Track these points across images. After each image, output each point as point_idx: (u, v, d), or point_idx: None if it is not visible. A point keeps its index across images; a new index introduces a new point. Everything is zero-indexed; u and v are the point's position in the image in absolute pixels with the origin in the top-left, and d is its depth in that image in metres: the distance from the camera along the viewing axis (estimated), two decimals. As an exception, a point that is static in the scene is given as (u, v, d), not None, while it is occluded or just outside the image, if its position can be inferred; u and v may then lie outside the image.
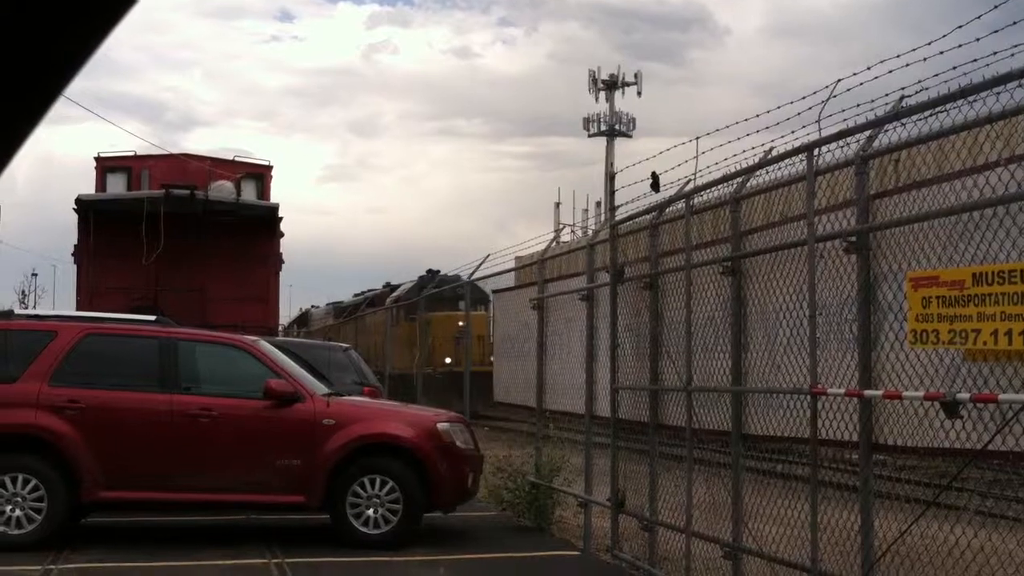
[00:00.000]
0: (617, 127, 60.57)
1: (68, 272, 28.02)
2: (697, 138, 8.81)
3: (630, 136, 61.36)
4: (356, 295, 43.89)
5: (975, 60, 5.74)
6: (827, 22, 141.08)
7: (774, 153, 7.70)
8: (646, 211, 9.92)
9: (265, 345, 12.21)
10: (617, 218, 10.71)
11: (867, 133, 6.61)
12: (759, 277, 7.91)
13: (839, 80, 6.98)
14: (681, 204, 9.11)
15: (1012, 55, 5.60)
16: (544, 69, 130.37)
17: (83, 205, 23.43)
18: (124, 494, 11.01)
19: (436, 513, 11.69)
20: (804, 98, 7.30)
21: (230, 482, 11.07)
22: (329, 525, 11.33)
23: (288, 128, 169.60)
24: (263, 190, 25.52)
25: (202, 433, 11.09)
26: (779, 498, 7.46)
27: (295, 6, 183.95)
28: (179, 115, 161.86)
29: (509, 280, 19.22)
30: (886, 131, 6.51)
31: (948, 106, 5.82)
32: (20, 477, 10.73)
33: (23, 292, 76.83)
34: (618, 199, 10.61)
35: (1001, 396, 5.24)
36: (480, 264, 18.05)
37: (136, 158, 25.55)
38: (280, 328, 36.92)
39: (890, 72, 6.54)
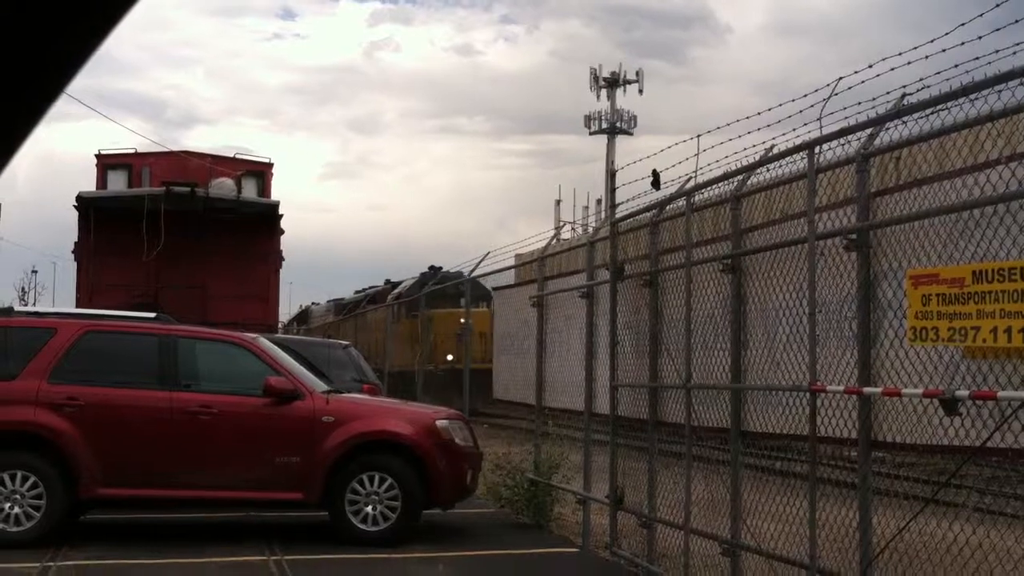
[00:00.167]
0: (618, 125, 60.64)
1: (68, 269, 28.04)
2: (698, 136, 8.80)
3: (631, 134, 61.46)
4: (357, 292, 43.81)
5: (977, 58, 5.73)
6: (828, 20, 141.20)
7: (775, 151, 7.70)
8: (646, 208, 9.92)
9: (265, 342, 12.21)
10: (617, 215, 10.70)
11: (868, 131, 6.60)
12: (759, 274, 7.91)
13: (840, 78, 6.97)
14: (682, 202, 9.10)
15: (1014, 53, 5.59)
16: (546, 67, 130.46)
17: (84, 202, 23.43)
18: (123, 491, 11.01)
19: (435, 510, 11.70)
20: (805, 96, 7.28)
21: (229, 479, 11.07)
22: (328, 522, 11.34)
23: (289, 126, 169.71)
24: (264, 187, 25.52)
25: (201, 430, 11.10)
26: (778, 495, 7.46)
27: (297, 4, 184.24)
28: (180, 113, 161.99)
29: (509, 277, 19.20)
30: (887, 129, 6.50)
31: (949, 104, 5.81)
32: (19, 474, 10.73)
33: (23, 289, 76.89)
34: (618, 197, 10.59)
35: (1000, 393, 5.24)
36: (480, 261, 18.05)
37: (137, 155, 25.55)
38: (280, 325, 36.91)
39: (892, 70, 6.53)
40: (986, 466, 8.73)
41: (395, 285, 35.12)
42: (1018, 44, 5.62)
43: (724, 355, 8.27)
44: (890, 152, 6.69)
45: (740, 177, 8.22)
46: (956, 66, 5.83)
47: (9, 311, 12.94)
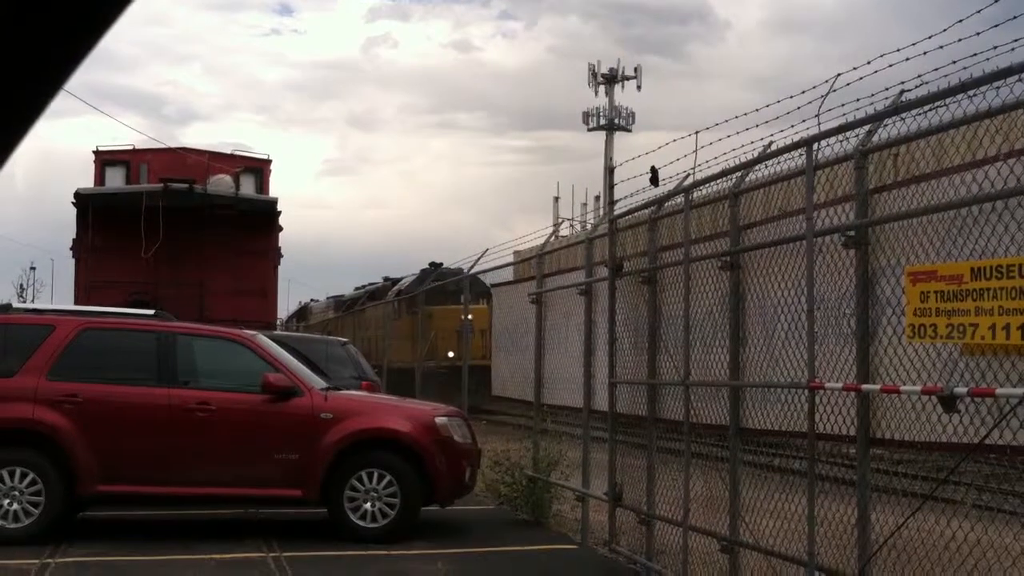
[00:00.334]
0: (616, 121, 60.64)
1: (66, 266, 28.00)
2: (696, 132, 8.79)
3: (629, 130, 61.48)
4: (357, 288, 43.76)
5: (975, 54, 5.72)
6: (826, 16, 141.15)
7: (773, 147, 7.69)
8: (645, 205, 9.91)
9: (263, 339, 12.21)
10: (616, 212, 10.69)
11: (866, 128, 6.60)
12: (758, 271, 7.90)
13: (839, 74, 6.96)
14: (680, 198, 9.09)
15: (1012, 49, 5.59)
16: (544, 63, 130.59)
17: (81, 199, 23.43)
18: (122, 488, 11.01)
19: (434, 507, 11.70)
20: (804, 92, 7.28)
21: (228, 476, 11.07)
22: (327, 519, 11.34)
23: (287, 122, 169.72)
24: (262, 184, 25.52)
25: (200, 427, 11.10)
26: (776, 492, 7.46)
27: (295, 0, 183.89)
28: (178, 109, 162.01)
29: (508, 274, 19.16)
30: (885, 126, 6.49)
31: (948, 101, 5.81)
32: (18, 471, 10.73)
33: (21, 286, 76.83)
34: (617, 193, 10.60)
35: (999, 390, 5.24)
36: (479, 258, 18.03)
37: (134, 152, 25.55)
38: (279, 322, 36.90)
39: (890, 66, 6.52)
40: (985, 463, 8.73)
41: (395, 282, 35.05)
42: (1016, 40, 5.63)
43: (723, 352, 8.27)
44: (888, 149, 6.68)
45: (738, 174, 8.22)
46: (954, 62, 5.83)
47: (7, 308, 12.94)
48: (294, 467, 11.03)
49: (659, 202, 9.63)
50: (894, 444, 6.41)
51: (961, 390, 5.39)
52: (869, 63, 6.68)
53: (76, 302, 22.37)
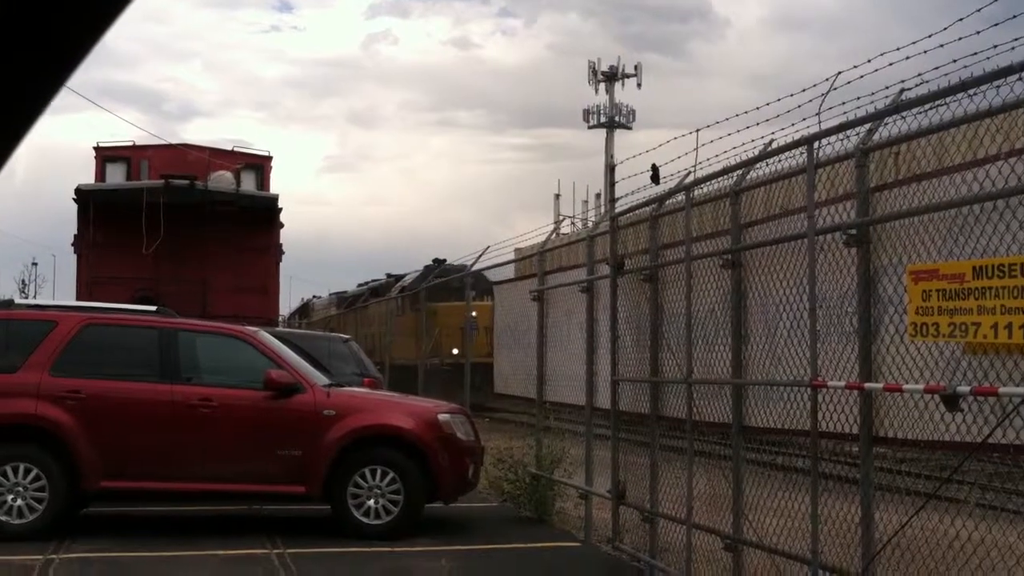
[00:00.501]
0: (617, 119, 60.60)
1: (68, 262, 28.01)
2: (697, 130, 8.79)
3: (630, 128, 61.46)
4: (360, 285, 43.74)
5: (975, 53, 5.73)
6: (826, 14, 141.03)
7: (774, 145, 7.69)
8: (646, 203, 9.92)
9: (265, 336, 12.23)
10: (617, 210, 10.70)
11: (867, 126, 6.60)
12: (759, 270, 7.91)
13: (839, 73, 6.97)
14: (681, 196, 9.10)
15: (1012, 48, 5.59)
16: (544, 60, 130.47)
17: (82, 195, 23.44)
18: (125, 484, 11.03)
19: (437, 504, 11.72)
20: (804, 91, 7.28)
21: (231, 472, 11.09)
22: (330, 516, 11.36)
23: (287, 119, 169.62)
24: (263, 181, 25.52)
25: (203, 423, 11.12)
26: (779, 490, 7.47)
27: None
28: (178, 105, 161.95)
29: (509, 272, 19.18)
30: (886, 124, 6.50)
31: (948, 99, 5.81)
32: (21, 467, 10.76)
33: (23, 282, 76.74)
34: (618, 191, 10.61)
35: (1001, 389, 5.25)
36: (480, 256, 18.04)
37: (135, 148, 25.55)
38: (281, 319, 36.92)
39: (890, 65, 6.53)
40: (988, 462, 8.75)
41: (398, 278, 35.02)
42: (1016, 39, 5.63)
43: (725, 350, 8.28)
44: (889, 147, 6.69)
45: (739, 172, 8.23)
46: (954, 61, 5.84)
47: (10, 304, 12.96)
48: (297, 463, 11.05)
49: (660, 200, 9.63)
50: (897, 443, 6.43)
51: (964, 389, 5.40)
52: (869, 61, 6.70)
53: (78, 298, 22.39)
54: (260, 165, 25.75)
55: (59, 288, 66.88)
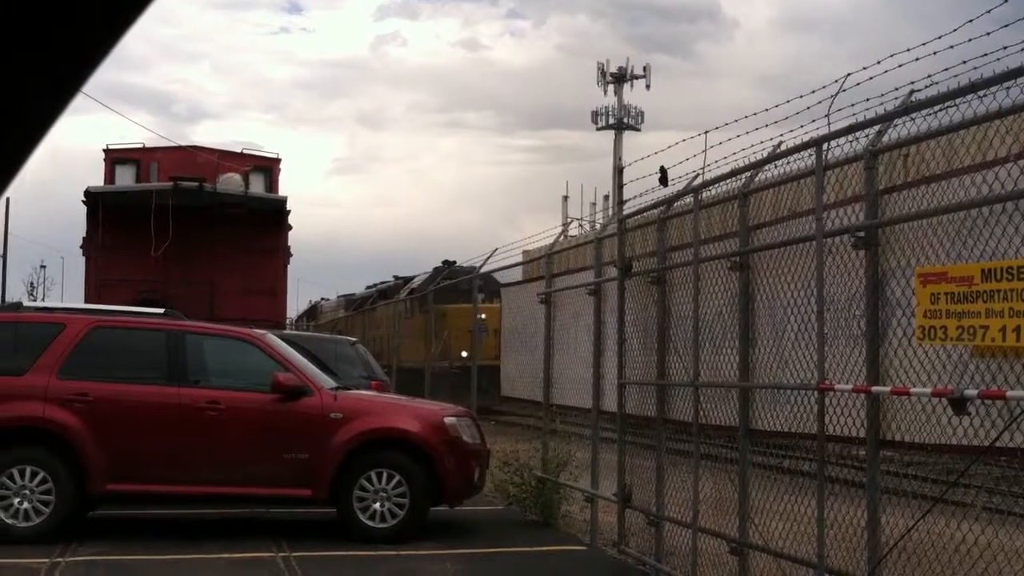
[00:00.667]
0: (625, 120, 60.55)
1: (77, 264, 28.08)
2: (706, 132, 8.79)
3: (638, 129, 61.37)
4: (368, 287, 43.72)
5: (985, 54, 5.70)
6: (835, 15, 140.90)
7: (783, 147, 7.67)
8: (654, 205, 9.90)
9: (273, 338, 12.22)
10: (625, 212, 10.68)
11: (876, 128, 6.58)
12: (767, 272, 7.88)
13: (848, 74, 6.95)
14: (689, 198, 9.07)
15: (1022, 50, 5.56)
16: (553, 62, 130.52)
17: (92, 197, 23.51)
18: (131, 487, 11.02)
19: (442, 507, 11.70)
20: (813, 92, 7.27)
21: (237, 475, 11.08)
22: (336, 519, 11.34)
23: (296, 120, 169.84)
24: (271, 183, 25.58)
25: (210, 426, 11.10)
26: (786, 494, 7.44)
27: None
28: (187, 107, 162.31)
29: (517, 274, 19.15)
30: (895, 126, 6.47)
31: (958, 101, 5.78)
32: (28, 470, 10.74)
33: (32, 284, 76.89)
34: (626, 193, 10.60)
35: (1009, 393, 5.21)
36: (488, 258, 18.04)
37: (144, 150, 25.63)
38: (289, 321, 36.93)
39: (900, 66, 6.51)
40: (995, 466, 8.69)
41: (406, 280, 34.99)
42: (1026, 40, 5.60)
43: (732, 353, 8.25)
44: (898, 149, 6.66)
45: (748, 174, 8.20)
46: (964, 62, 5.81)
47: (18, 306, 12.97)
48: (303, 467, 11.04)
49: (668, 202, 9.61)
50: (904, 446, 6.39)
51: (971, 392, 5.37)
52: (879, 63, 6.68)
53: (86, 300, 22.42)
54: (269, 167, 25.81)
55: (68, 291, 67.09)
